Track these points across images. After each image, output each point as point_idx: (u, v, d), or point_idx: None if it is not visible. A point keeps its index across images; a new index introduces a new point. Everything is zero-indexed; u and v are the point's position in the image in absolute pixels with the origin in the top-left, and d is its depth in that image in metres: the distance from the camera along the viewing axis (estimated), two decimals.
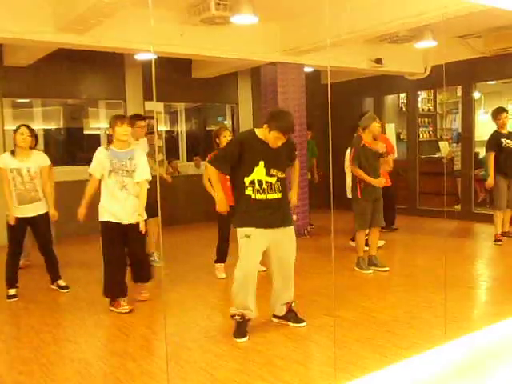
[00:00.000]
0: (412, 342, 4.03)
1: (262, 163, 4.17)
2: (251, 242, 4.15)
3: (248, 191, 4.17)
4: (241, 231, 4.20)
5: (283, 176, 4.29)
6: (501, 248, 7.45)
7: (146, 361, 3.89)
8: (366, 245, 6.43)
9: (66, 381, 3.60)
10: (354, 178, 6.19)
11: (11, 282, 5.55)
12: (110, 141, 5.07)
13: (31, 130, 5.59)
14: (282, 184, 4.28)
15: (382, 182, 6.17)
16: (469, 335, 4.07)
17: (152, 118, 10.03)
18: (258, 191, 4.17)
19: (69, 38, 6.45)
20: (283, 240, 4.31)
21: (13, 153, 5.50)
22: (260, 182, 4.18)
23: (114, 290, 5.04)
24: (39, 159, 5.63)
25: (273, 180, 4.21)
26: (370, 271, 6.20)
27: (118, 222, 4.91)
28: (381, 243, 7.39)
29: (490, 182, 7.52)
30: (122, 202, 4.90)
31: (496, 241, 7.60)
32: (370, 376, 3.43)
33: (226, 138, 5.88)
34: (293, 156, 4.54)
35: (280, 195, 4.25)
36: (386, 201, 8.59)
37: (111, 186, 4.89)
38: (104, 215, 4.94)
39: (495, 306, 5.07)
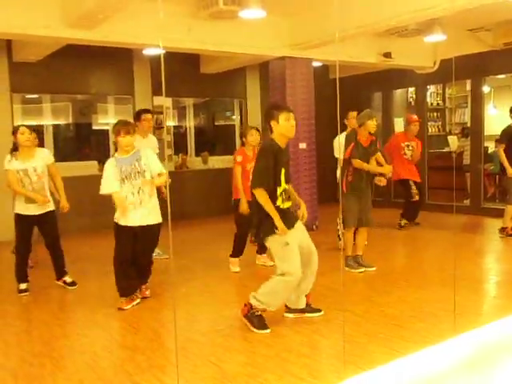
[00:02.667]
0: (421, 336, 4.03)
1: (283, 171, 4.21)
2: (291, 247, 4.18)
3: (278, 202, 4.20)
4: (277, 239, 4.17)
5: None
6: (510, 242, 7.40)
7: (155, 354, 3.91)
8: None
9: (77, 373, 3.63)
10: (343, 171, 6.04)
11: (22, 277, 5.58)
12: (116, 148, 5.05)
13: (30, 129, 5.55)
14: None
15: (388, 169, 6.16)
16: (478, 329, 4.07)
17: (161, 113, 10.07)
18: (283, 200, 4.24)
19: (77, 33, 6.47)
20: (302, 230, 4.41)
21: (14, 154, 5.45)
22: (286, 191, 4.27)
23: (124, 288, 5.05)
24: (44, 157, 5.60)
25: (288, 187, 4.32)
26: (362, 270, 6.05)
27: (133, 225, 4.89)
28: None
29: (510, 170, 7.41)
30: (140, 205, 4.88)
31: (508, 235, 7.55)
32: (379, 369, 3.43)
33: (253, 137, 5.98)
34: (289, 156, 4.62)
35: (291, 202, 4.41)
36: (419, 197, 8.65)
37: (129, 194, 4.86)
38: (121, 220, 4.92)
39: (504, 300, 5.05)
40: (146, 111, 6.69)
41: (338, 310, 4.59)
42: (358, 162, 5.92)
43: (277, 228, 4.11)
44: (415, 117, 8.72)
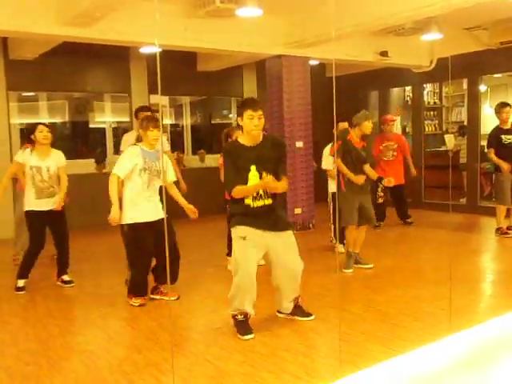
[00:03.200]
0: (417, 335, 4.04)
1: (253, 168, 4.11)
2: (248, 243, 4.09)
3: (248, 200, 4.13)
4: (237, 231, 4.14)
5: (275, 178, 4.14)
6: (506, 241, 7.43)
7: (151, 352, 3.90)
8: (342, 242, 6.40)
9: (73, 372, 3.62)
10: (338, 171, 5.96)
11: (24, 274, 5.57)
12: (139, 139, 5.02)
13: (49, 127, 5.65)
14: None
15: (361, 179, 5.88)
16: (474, 328, 4.07)
17: (157, 111, 10.04)
18: (255, 198, 4.13)
19: (74, 31, 6.46)
20: (282, 245, 4.23)
21: (31, 150, 5.52)
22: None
23: (139, 290, 5.02)
24: (58, 158, 5.67)
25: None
26: (350, 270, 5.99)
27: (144, 221, 4.85)
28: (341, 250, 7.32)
29: (506, 166, 7.40)
30: (147, 200, 4.88)
31: (502, 233, 7.59)
32: (375, 368, 3.44)
33: None
34: (281, 154, 4.34)
35: (272, 200, 4.21)
36: (398, 196, 8.66)
37: (139, 185, 4.86)
38: (128, 218, 4.87)
39: (500, 298, 5.07)
40: (145, 108, 6.62)
41: (334, 309, 4.59)
42: (338, 162, 5.82)
43: (237, 223, 4.12)
44: (389, 116, 8.78)
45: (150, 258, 5.00)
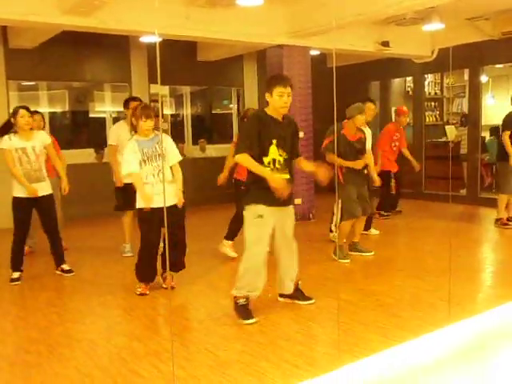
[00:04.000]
0: (416, 325, 4.05)
1: (274, 142, 4.14)
2: (264, 221, 4.15)
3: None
4: (253, 210, 4.16)
5: (289, 157, 4.26)
6: (505, 232, 7.44)
7: (151, 341, 3.92)
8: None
9: (73, 360, 3.63)
10: (333, 166, 5.95)
11: (16, 264, 5.55)
12: (134, 129, 5.01)
13: (30, 112, 5.55)
14: (290, 164, 4.30)
15: (360, 163, 5.92)
16: (473, 318, 4.09)
17: (157, 101, 10.03)
18: (272, 171, 4.14)
19: (73, 20, 6.42)
20: (287, 218, 4.37)
21: (14, 133, 5.44)
22: (276, 162, 4.17)
23: (146, 275, 5.04)
24: (42, 137, 5.61)
25: (282, 159, 4.20)
26: (347, 261, 5.97)
27: (155, 206, 4.82)
28: (375, 232, 7.38)
29: None
30: (157, 187, 4.86)
31: (503, 224, 7.58)
32: (374, 357, 3.45)
33: None
34: (296, 133, 4.43)
35: (289, 175, 4.25)
36: (396, 184, 8.65)
37: (149, 175, 4.86)
38: (139, 203, 4.90)
39: (500, 289, 5.07)
40: (134, 99, 6.49)
41: (333, 298, 4.60)
42: (329, 155, 5.78)
43: (252, 201, 4.12)
44: (405, 108, 8.75)
45: (156, 245, 5.00)
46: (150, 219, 4.83)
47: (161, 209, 4.74)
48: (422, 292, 4.91)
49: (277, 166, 4.17)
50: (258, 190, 4.15)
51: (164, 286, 5.18)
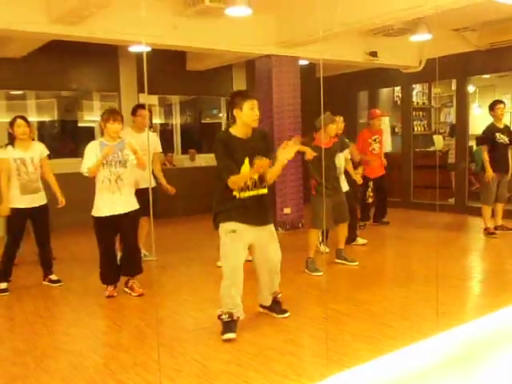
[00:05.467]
0: (404, 334, 4.05)
1: (247, 161, 4.06)
2: (237, 236, 4.08)
3: (235, 192, 4.09)
4: (225, 226, 4.11)
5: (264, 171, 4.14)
6: (493, 241, 7.48)
7: (138, 352, 3.89)
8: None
9: (60, 372, 3.60)
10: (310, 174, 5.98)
11: (5, 275, 5.50)
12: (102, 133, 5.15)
13: (27, 121, 5.58)
14: (265, 178, 4.19)
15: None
16: (461, 327, 4.10)
17: (150, 110, 10.01)
18: (242, 189, 4.09)
19: (62, 29, 6.42)
20: (266, 238, 4.28)
21: (12, 145, 5.47)
22: (251, 179, 4.12)
23: (108, 278, 5.25)
24: (40, 149, 5.64)
25: (257, 176, 4.12)
26: (320, 273, 5.82)
27: (111, 214, 4.99)
28: (362, 241, 7.39)
29: (490, 174, 7.47)
30: (116, 193, 4.99)
31: (489, 233, 7.64)
32: (362, 366, 3.45)
33: None
34: (269, 146, 4.34)
35: (262, 191, 4.20)
36: (378, 194, 8.67)
37: (105, 179, 4.97)
38: (98, 211, 5.05)
39: (487, 298, 5.10)
40: (141, 106, 6.57)
41: (321, 308, 4.60)
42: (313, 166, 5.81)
43: (224, 220, 4.10)
44: (378, 111, 8.74)
45: (112, 249, 5.22)
46: (104, 227, 5.04)
47: (116, 216, 4.98)
48: (410, 301, 4.93)
49: (248, 183, 4.10)
50: (229, 211, 4.12)
51: (133, 294, 5.23)
